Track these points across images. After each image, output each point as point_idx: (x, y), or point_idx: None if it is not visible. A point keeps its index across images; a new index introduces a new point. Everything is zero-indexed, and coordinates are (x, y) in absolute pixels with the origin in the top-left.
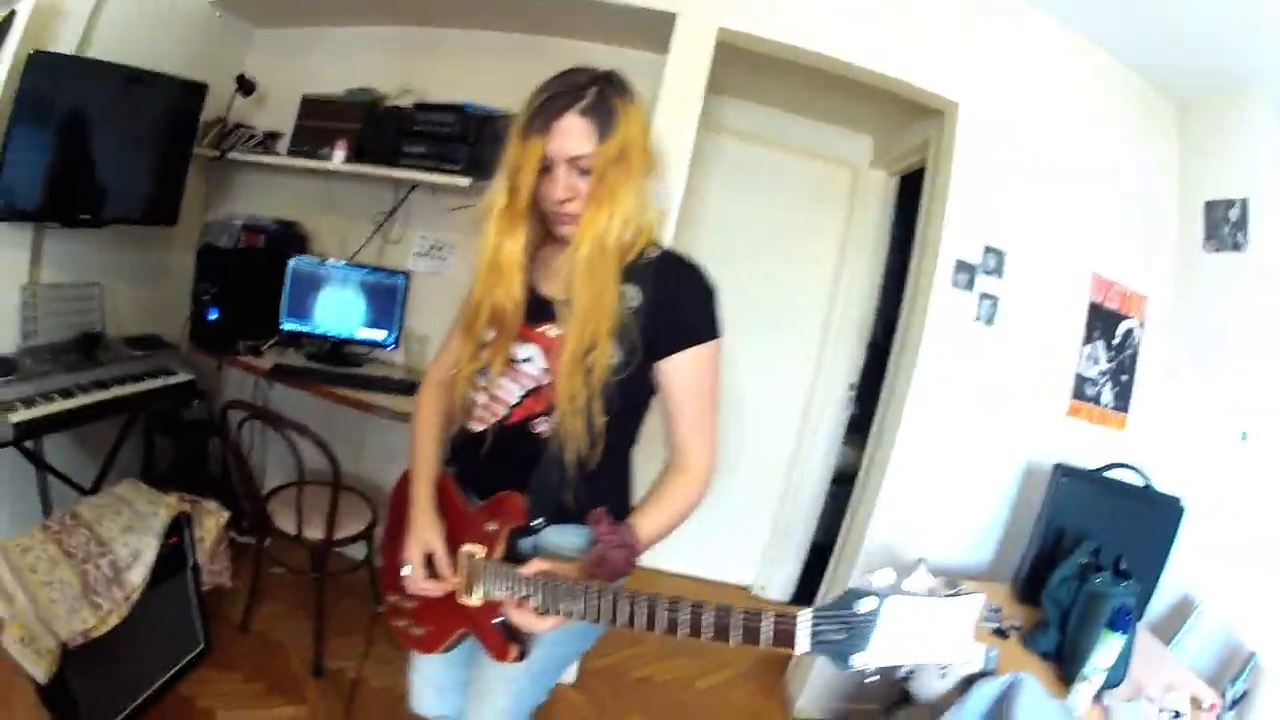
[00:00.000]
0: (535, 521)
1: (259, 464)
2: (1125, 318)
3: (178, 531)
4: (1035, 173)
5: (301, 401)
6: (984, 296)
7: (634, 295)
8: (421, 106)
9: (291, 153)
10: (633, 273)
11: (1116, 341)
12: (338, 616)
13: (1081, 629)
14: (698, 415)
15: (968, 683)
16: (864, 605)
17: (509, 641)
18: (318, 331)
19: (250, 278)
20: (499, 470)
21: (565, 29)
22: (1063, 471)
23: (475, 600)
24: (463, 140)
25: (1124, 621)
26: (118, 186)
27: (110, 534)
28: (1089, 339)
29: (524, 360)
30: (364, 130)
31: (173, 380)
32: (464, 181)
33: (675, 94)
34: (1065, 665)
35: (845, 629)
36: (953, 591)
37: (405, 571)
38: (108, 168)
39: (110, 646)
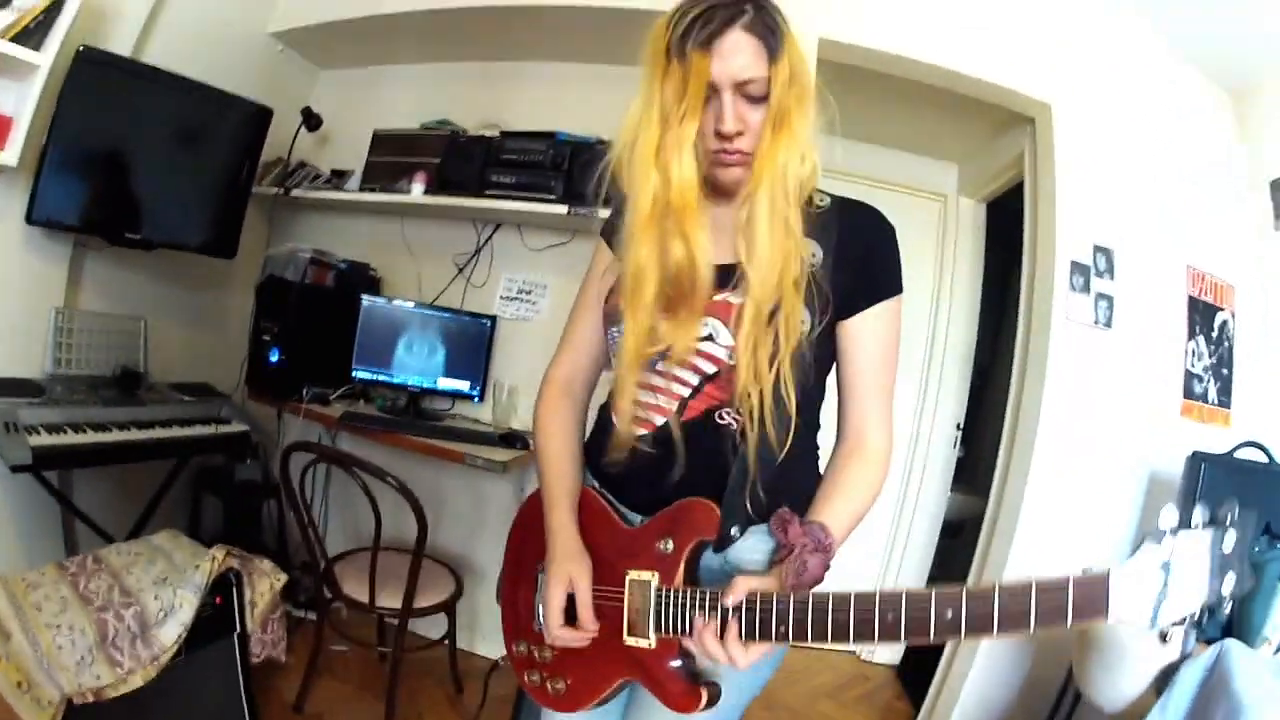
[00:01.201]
0: (732, 531)
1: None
2: (1219, 310)
3: (224, 590)
4: (1126, 167)
5: (372, 460)
6: (1100, 297)
7: (814, 250)
8: (509, 135)
9: (363, 189)
10: (807, 225)
11: (1215, 335)
12: (409, 699)
13: (1247, 600)
14: (879, 384)
15: (1164, 676)
16: (1161, 551)
17: (696, 685)
18: (394, 381)
19: (318, 318)
20: (671, 478)
21: None
22: (1202, 459)
23: (649, 641)
24: (556, 168)
25: None
26: (171, 209)
27: (139, 584)
28: (1191, 334)
29: (702, 338)
30: (445, 162)
31: (225, 430)
32: (560, 210)
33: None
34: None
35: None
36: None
37: (552, 620)
38: (161, 186)
39: (134, 713)
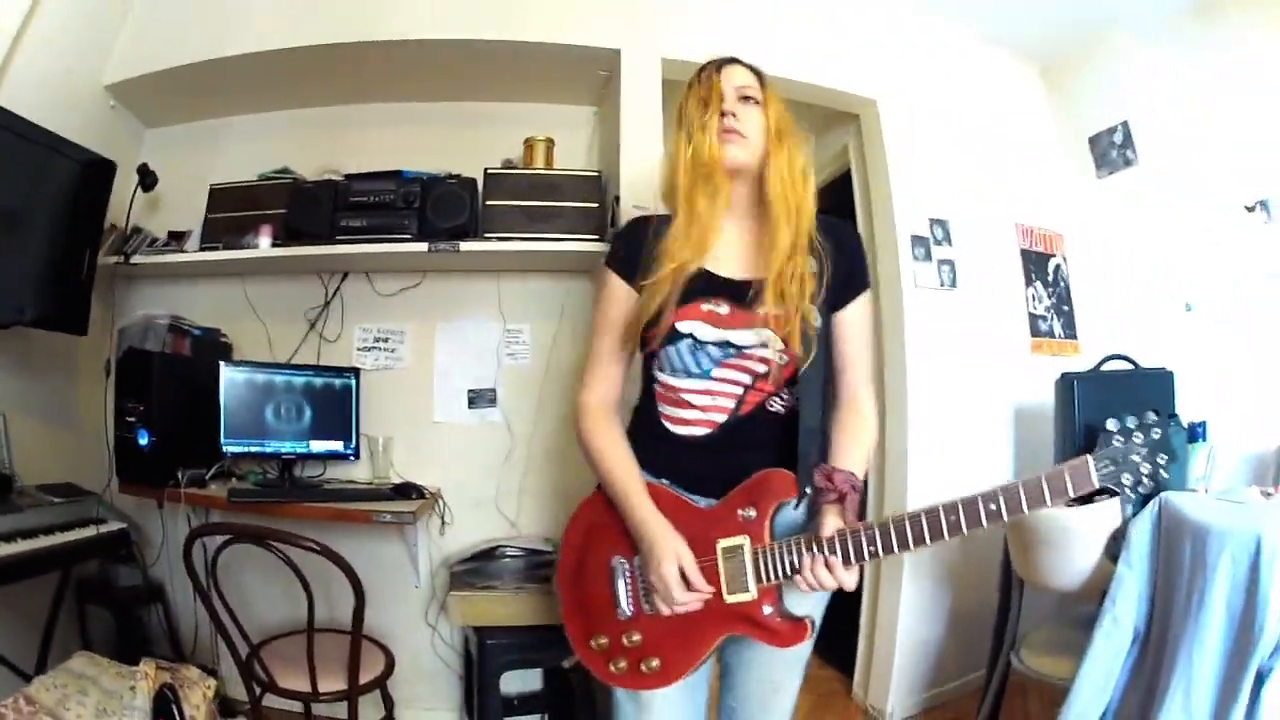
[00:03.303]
0: (806, 489)
1: (205, 627)
2: (1050, 256)
3: (164, 709)
4: (950, 145)
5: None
6: (942, 263)
7: (811, 263)
8: (354, 177)
9: (204, 248)
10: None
11: (1050, 278)
12: None
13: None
14: (866, 362)
15: (1114, 541)
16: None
17: (800, 620)
18: (266, 451)
19: (183, 391)
20: (736, 461)
21: (488, 91)
22: (1073, 378)
23: (750, 593)
24: (409, 206)
25: (1200, 433)
26: (19, 275)
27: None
28: (1029, 281)
29: (752, 346)
30: (291, 211)
31: (105, 529)
32: (420, 247)
33: (635, 131)
34: None
35: (1118, 467)
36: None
37: (675, 589)
38: (9, 249)
39: None
